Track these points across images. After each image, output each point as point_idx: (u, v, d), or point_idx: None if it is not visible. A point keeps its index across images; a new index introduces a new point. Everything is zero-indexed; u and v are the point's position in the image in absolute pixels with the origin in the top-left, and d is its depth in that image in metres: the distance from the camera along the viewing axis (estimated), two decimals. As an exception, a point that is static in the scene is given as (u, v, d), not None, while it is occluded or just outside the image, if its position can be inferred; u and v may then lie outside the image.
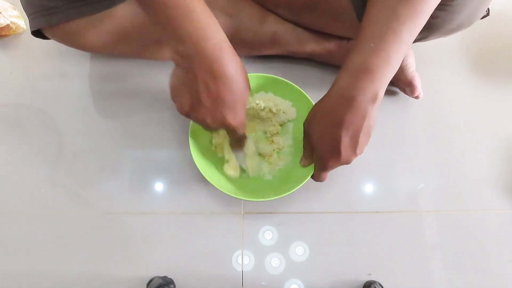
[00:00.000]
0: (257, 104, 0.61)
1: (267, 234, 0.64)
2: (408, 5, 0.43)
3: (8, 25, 0.74)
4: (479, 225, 0.65)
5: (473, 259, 0.64)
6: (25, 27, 0.77)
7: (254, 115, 0.64)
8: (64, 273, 0.62)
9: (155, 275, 0.61)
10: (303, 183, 0.57)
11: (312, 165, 0.57)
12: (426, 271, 0.63)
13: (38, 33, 0.60)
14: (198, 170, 0.58)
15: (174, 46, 0.43)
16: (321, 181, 0.57)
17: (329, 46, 0.68)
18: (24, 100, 0.72)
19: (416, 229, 0.65)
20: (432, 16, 0.46)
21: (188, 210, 0.65)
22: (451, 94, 0.74)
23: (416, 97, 0.69)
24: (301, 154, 0.59)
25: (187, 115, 0.48)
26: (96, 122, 0.70)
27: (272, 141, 0.65)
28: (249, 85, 0.48)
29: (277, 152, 0.65)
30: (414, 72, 0.67)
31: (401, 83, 0.69)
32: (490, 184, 0.68)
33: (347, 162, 0.51)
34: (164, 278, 0.60)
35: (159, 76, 0.73)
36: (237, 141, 0.57)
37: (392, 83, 0.71)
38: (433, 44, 0.70)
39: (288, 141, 0.65)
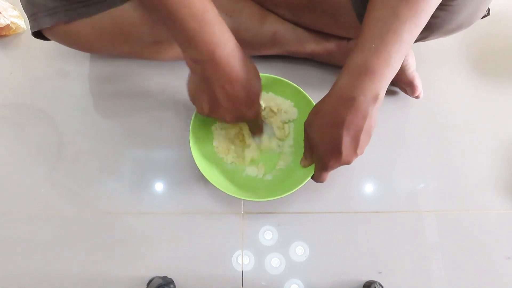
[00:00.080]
0: None
1: (267, 234, 0.64)
2: (409, 5, 0.43)
3: (8, 25, 0.74)
4: (479, 225, 0.65)
5: (473, 259, 0.64)
6: (25, 27, 0.77)
7: None
8: (64, 273, 0.62)
9: (155, 275, 0.61)
10: (304, 183, 0.57)
11: (313, 166, 0.57)
12: (426, 271, 0.63)
13: (38, 34, 0.60)
14: (199, 170, 0.58)
15: (189, 53, 0.47)
16: (321, 181, 0.57)
17: (329, 46, 0.68)
18: (24, 100, 0.72)
19: (416, 229, 0.65)
20: (432, 16, 0.46)
21: (188, 210, 0.65)
22: (451, 94, 0.74)
23: (417, 97, 0.69)
24: (301, 154, 0.59)
25: (208, 115, 0.53)
26: (96, 122, 0.70)
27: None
28: (260, 80, 0.52)
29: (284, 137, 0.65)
30: (414, 72, 0.67)
31: (401, 83, 0.69)
32: (490, 184, 0.68)
33: (348, 163, 0.51)
34: (164, 278, 0.60)
35: (159, 76, 0.73)
36: (256, 127, 0.62)
37: (393, 83, 0.71)
38: (433, 44, 0.70)
39: (289, 141, 0.65)
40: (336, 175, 0.66)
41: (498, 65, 0.77)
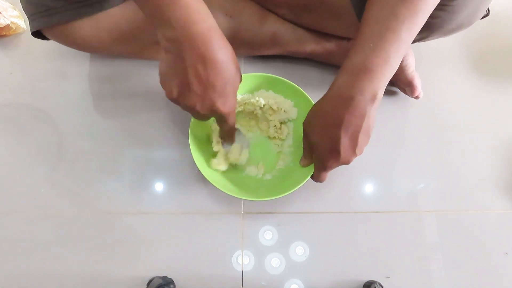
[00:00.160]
0: (257, 101, 0.61)
1: (267, 234, 0.64)
2: (407, 4, 0.43)
3: (8, 25, 0.74)
4: (479, 225, 0.65)
5: (473, 259, 0.64)
6: (25, 27, 0.77)
7: (252, 114, 0.64)
8: (64, 273, 0.62)
9: (155, 275, 0.61)
10: (303, 183, 0.57)
11: (312, 165, 0.57)
12: (426, 271, 0.63)
13: (38, 33, 0.60)
14: (198, 170, 0.58)
15: (163, 31, 0.42)
16: (320, 181, 0.57)
17: (329, 46, 0.68)
18: (24, 100, 0.72)
19: (416, 229, 0.65)
20: (432, 16, 0.46)
21: (188, 210, 0.65)
22: (451, 94, 0.74)
23: (416, 97, 0.69)
24: (301, 154, 0.59)
25: (176, 101, 0.47)
26: (96, 122, 0.70)
27: (275, 137, 0.65)
28: (240, 73, 0.47)
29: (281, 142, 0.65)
30: (414, 72, 0.67)
31: (401, 83, 0.69)
32: (490, 184, 0.68)
33: (347, 162, 0.51)
34: (164, 278, 0.60)
35: (158, 76, 0.73)
36: (228, 132, 0.55)
37: (392, 83, 0.71)
38: (433, 44, 0.70)
39: (288, 141, 0.65)
40: (336, 175, 0.66)
41: (498, 65, 0.77)
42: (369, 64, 0.44)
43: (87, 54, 0.75)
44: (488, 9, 0.57)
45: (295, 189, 0.56)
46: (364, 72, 0.45)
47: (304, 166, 0.58)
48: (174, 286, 0.60)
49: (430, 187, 0.67)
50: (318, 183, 0.58)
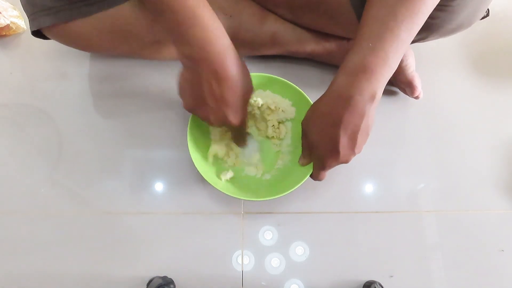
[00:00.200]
0: (255, 101, 0.61)
1: (267, 234, 0.64)
2: (406, 4, 0.43)
3: (8, 25, 0.74)
4: (479, 225, 0.65)
5: (473, 259, 0.64)
6: (25, 27, 0.77)
7: (250, 114, 0.64)
8: (64, 273, 0.62)
9: (155, 275, 0.61)
10: (302, 182, 0.57)
11: (311, 164, 0.57)
12: (426, 271, 0.63)
13: (38, 33, 0.60)
14: (198, 171, 0.58)
15: (181, 48, 0.46)
16: (319, 180, 0.57)
17: (329, 46, 0.68)
18: (24, 100, 0.72)
19: (416, 229, 0.65)
20: (432, 17, 0.46)
21: (188, 210, 0.65)
22: (451, 94, 0.74)
23: (416, 97, 0.69)
24: (299, 153, 0.59)
25: (192, 111, 0.52)
26: (96, 122, 0.70)
27: (273, 137, 0.65)
28: (252, 85, 0.51)
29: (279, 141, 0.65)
30: (414, 72, 0.67)
31: (401, 83, 0.69)
32: (490, 184, 0.68)
33: (346, 161, 0.51)
34: (164, 278, 0.60)
35: (158, 76, 0.73)
36: (240, 136, 0.60)
37: (392, 83, 0.71)
38: (433, 44, 0.70)
39: (287, 141, 0.65)
40: (336, 175, 0.66)
41: (498, 65, 0.77)
42: (368, 64, 0.45)
43: (87, 54, 0.75)
44: (488, 9, 0.57)
45: (294, 188, 0.56)
46: (363, 72, 0.45)
47: (303, 165, 0.58)
48: (174, 286, 0.60)
49: (430, 187, 0.67)
50: (318, 183, 0.58)
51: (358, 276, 0.62)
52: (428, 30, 0.54)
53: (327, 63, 0.72)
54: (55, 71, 0.74)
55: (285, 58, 0.72)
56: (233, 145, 0.64)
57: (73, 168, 0.67)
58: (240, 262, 0.63)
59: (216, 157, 0.63)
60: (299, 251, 0.64)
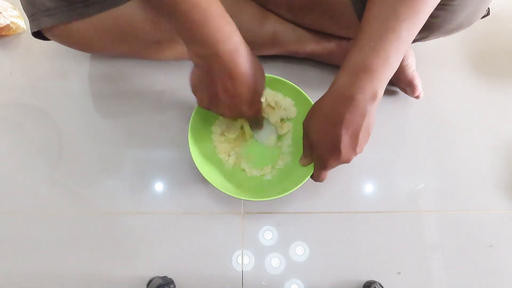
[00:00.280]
0: None
1: (267, 234, 0.64)
2: (407, 4, 0.43)
3: (8, 25, 0.74)
4: (479, 225, 0.65)
5: (473, 259, 0.64)
6: (25, 27, 0.77)
7: None
8: (64, 273, 0.62)
9: (155, 275, 0.61)
10: (303, 182, 0.57)
11: (312, 165, 0.57)
12: (426, 271, 0.63)
13: (38, 34, 0.60)
14: (198, 170, 0.58)
15: (193, 48, 0.46)
16: (320, 180, 0.57)
17: (329, 46, 0.68)
18: (24, 100, 0.72)
19: (416, 229, 0.65)
20: (432, 16, 0.46)
21: (188, 210, 0.65)
22: (451, 94, 0.74)
23: (417, 97, 0.69)
24: (300, 153, 0.59)
25: (207, 108, 0.53)
26: (96, 122, 0.70)
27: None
28: (264, 77, 0.52)
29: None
30: (414, 72, 0.67)
31: (401, 83, 0.69)
32: (490, 184, 0.68)
33: (347, 161, 0.51)
34: (164, 278, 0.60)
35: (159, 76, 0.73)
36: (256, 123, 0.62)
37: (392, 83, 0.71)
38: (433, 44, 0.70)
39: (288, 141, 0.65)
40: (336, 175, 0.66)
41: (498, 65, 0.77)
42: (369, 64, 0.45)
43: (87, 54, 0.75)
44: (488, 8, 0.57)
45: (295, 189, 0.56)
46: (365, 72, 0.45)
47: (304, 165, 0.58)
48: (174, 286, 0.60)
49: (430, 187, 0.67)
50: (318, 183, 0.58)
51: (358, 276, 0.62)
52: (428, 30, 0.54)
53: (327, 63, 0.72)
54: (55, 71, 0.74)
55: (285, 58, 0.72)
56: (237, 143, 0.64)
57: (73, 168, 0.67)
58: (240, 262, 0.63)
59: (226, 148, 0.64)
60: (299, 251, 0.64)
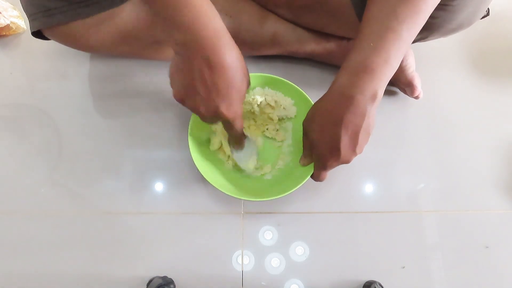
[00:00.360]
0: (253, 99, 0.61)
1: (267, 234, 0.64)
2: (408, 4, 0.43)
3: (8, 25, 0.74)
4: (479, 225, 0.65)
5: (473, 259, 0.64)
6: (25, 27, 0.77)
7: (250, 112, 0.64)
8: (64, 273, 0.62)
9: (155, 275, 0.61)
10: (303, 182, 0.57)
11: (312, 165, 0.57)
12: (426, 271, 0.63)
13: (38, 33, 0.60)
14: (198, 170, 0.58)
15: (173, 35, 0.43)
16: (320, 180, 0.57)
17: (329, 46, 0.68)
18: (24, 100, 0.72)
19: (416, 229, 0.65)
20: (432, 16, 0.46)
21: (188, 210, 0.65)
22: (451, 94, 0.74)
23: (416, 97, 0.69)
24: (300, 153, 0.59)
25: (182, 102, 0.48)
26: (96, 122, 0.70)
27: (275, 139, 0.65)
28: (248, 78, 0.48)
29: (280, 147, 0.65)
30: (414, 72, 0.67)
31: (401, 83, 0.69)
32: (490, 184, 0.68)
33: (347, 161, 0.51)
34: (164, 278, 0.60)
35: (159, 76, 0.73)
36: (236, 139, 0.55)
37: (392, 83, 0.71)
38: (433, 44, 0.70)
39: (288, 141, 0.65)
40: (336, 175, 0.66)
41: (498, 65, 0.77)
42: (369, 64, 0.45)
43: (87, 54, 0.75)
44: (488, 9, 0.57)
45: (295, 189, 0.56)
46: (365, 72, 0.45)
47: (304, 165, 0.58)
48: (174, 286, 0.60)
49: (430, 187, 0.67)
50: (318, 183, 0.58)
51: (358, 276, 0.62)
52: (428, 30, 0.54)
53: (327, 63, 0.72)
54: (55, 71, 0.74)
55: (285, 58, 0.72)
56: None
57: (73, 168, 0.67)
58: (240, 262, 0.63)
59: (219, 148, 0.62)
60: (299, 251, 0.64)
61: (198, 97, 0.45)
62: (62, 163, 0.68)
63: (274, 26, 0.65)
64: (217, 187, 0.57)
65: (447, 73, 0.76)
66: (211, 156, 0.63)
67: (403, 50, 0.45)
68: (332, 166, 0.53)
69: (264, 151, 0.65)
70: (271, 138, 0.65)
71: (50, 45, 0.73)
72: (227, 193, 0.57)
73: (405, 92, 0.70)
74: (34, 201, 0.65)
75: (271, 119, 0.64)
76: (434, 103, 0.73)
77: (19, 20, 0.77)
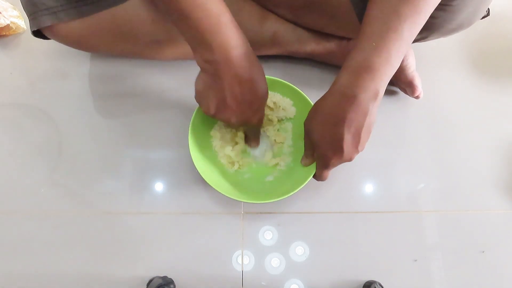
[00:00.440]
0: None
1: (267, 234, 0.64)
2: (408, 4, 0.43)
3: (8, 25, 0.74)
4: (479, 225, 0.65)
5: (473, 259, 0.64)
6: (25, 27, 0.77)
7: None
8: (64, 273, 0.62)
9: (155, 275, 0.61)
10: (305, 183, 0.56)
11: (313, 165, 0.57)
12: (426, 271, 0.63)
13: (38, 33, 0.60)
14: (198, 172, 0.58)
15: (202, 53, 0.46)
16: (323, 180, 0.57)
17: (329, 46, 0.68)
18: (24, 100, 0.72)
19: (416, 229, 0.65)
20: (432, 16, 0.46)
21: (188, 210, 0.65)
22: (451, 94, 0.74)
23: (417, 97, 0.69)
24: (301, 154, 0.59)
25: (213, 116, 0.52)
26: (96, 122, 0.70)
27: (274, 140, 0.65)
28: (267, 86, 0.52)
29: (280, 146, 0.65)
30: (414, 72, 0.67)
31: (401, 83, 0.69)
32: (490, 184, 0.68)
33: (350, 160, 0.51)
34: (164, 278, 0.60)
35: (159, 76, 0.73)
36: (254, 136, 0.62)
37: (393, 83, 0.71)
38: (433, 44, 0.70)
39: (288, 142, 0.65)
40: (336, 175, 0.66)
41: (498, 65, 0.77)
42: (371, 63, 0.45)
43: (87, 54, 0.75)
44: (488, 9, 0.57)
45: (298, 189, 0.56)
46: (366, 71, 0.45)
47: (306, 165, 0.58)
48: (174, 286, 0.60)
49: (430, 187, 0.67)
50: (318, 183, 0.58)
51: (358, 276, 0.62)
52: (428, 30, 0.54)
53: (327, 63, 0.72)
54: (55, 71, 0.74)
55: (285, 58, 0.72)
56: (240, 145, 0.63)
57: (73, 168, 0.67)
58: (240, 262, 0.63)
59: (228, 158, 0.63)
60: (299, 251, 0.64)
61: (229, 110, 0.50)
62: (62, 163, 0.68)
63: (274, 26, 0.65)
64: (219, 190, 0.56)
65: (447, 73, 0.76)
66: (211, 157, 0.62)
67: (404, 49, 0.46)
68: (335, 165, 0.53)
69: (259, 164, 0.65)
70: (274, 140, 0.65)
71: (50, 45, 0.73)
72: (229, 196, 0.56)
73: (405, 92, 0.70)
74: (34, 201, 0.65)
75: (271, 120, 0.64)
76: (434, 103, 0.73)
77: (19, 20, 0.77)
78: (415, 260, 0.63)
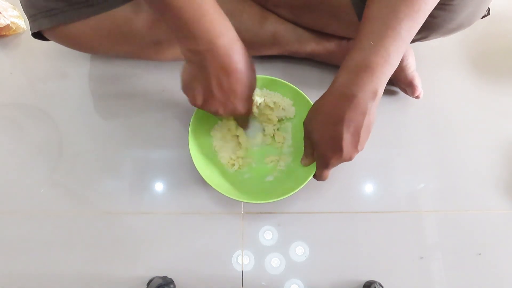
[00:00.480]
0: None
1: (267, 234, 0.64)
2: (407, 3, 0.43)
3: (8, 25, 0.74)
4: (479, 225, 0.65)
5: (473, 259, 0.64)
6: (25, 27, 0.77)
7: None
8: (64, 273, 0.62)
9: (155, 275, 0.61)
10: (305, 183, 0.56)
11: (313, 165, 0.57)
12: (426, 271, 0.63)
13: (38, 34, 0.60)
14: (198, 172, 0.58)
15: (187, 44, 0.45)
16: (323, 179, 0.57)
17: (329, 46, 0.68)
18: (24, 100, 0.72)
19: (416, 229, 0.65)
20: (432, 16, 0.46)
21: (188, 210, 0.65)
22: (451, 94, 0.74)
23: (417, 97, 0.69)
24: (301, 154, 0.59)
25: (200, 107, 0.51)
26: (96, 122, 0.70)
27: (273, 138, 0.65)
28: (255, 75, 0.51)
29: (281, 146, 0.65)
30: (414, 72, 0.67)
31: (401, 83, 0.69)
32: (490, 184, 0.68)
33: (349, 159, 0.51)
34: (164, 278, 0.60)
35: (159, 76, 0.73)
36: (244, 121, 0.61)
37: (392, 83, 0.71)
38: (433, 44, 0.70)
39: (288, 141, 0.65)
40: (336, 175, 0.66)
41: (498, 65, 0.77)
42: (370, 62, 0.45)
43: (87, 55, 0.75)
44: (488, 9, 0.58)
45: (298, 189, 0.56)
46: (365, 70, 0.45)
47: (306, 165, 0.58)
48: (174, 286, 0.60)
49: (430, 187, 0.67)
50: (318, 183, 0.58)
51: (358, 276, 0.62)
52: (428, 29, 0.54)
53: (327, 63, 0.72)
54: (55, 71, 0.74)
55: (285, 58, 0.72)
56: (240, 145, 0.64)
57: (73, 168, 0.67)
58: (240, 262, 0.63)
59: (228, 161, 0.63)
60: (299, 251, 0.64)
61: (216, 101, 0.49)
62: (62, 163, 0.68)
63: (274, 26, 0.65)
64: (219, 190, 0.57)
65: (447, 73, 0.76)
66: (212, 158, 0.62)
67: (403, 48, 0.46)
68: (335, 165, 0.53)
69: (264, 151, 0.65)
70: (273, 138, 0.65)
71: (50, 45, 0.73)
72: (229, 196, 0.56)
73: (405, 92, 0.70)
74: (34, 201, 0.65)
75: (271, 120, 0.64)
76: (434, 103, 0.73)
77: (19, 20, 0.77)
78: (416, 260, 0.63)
